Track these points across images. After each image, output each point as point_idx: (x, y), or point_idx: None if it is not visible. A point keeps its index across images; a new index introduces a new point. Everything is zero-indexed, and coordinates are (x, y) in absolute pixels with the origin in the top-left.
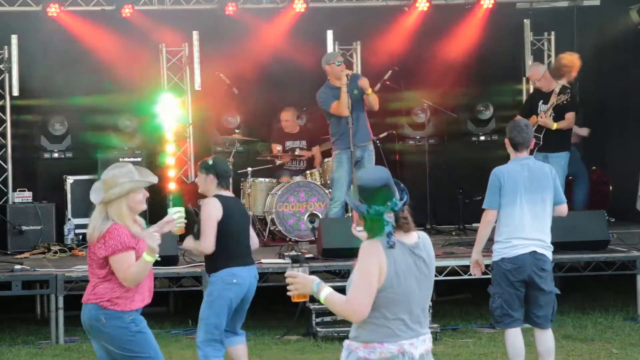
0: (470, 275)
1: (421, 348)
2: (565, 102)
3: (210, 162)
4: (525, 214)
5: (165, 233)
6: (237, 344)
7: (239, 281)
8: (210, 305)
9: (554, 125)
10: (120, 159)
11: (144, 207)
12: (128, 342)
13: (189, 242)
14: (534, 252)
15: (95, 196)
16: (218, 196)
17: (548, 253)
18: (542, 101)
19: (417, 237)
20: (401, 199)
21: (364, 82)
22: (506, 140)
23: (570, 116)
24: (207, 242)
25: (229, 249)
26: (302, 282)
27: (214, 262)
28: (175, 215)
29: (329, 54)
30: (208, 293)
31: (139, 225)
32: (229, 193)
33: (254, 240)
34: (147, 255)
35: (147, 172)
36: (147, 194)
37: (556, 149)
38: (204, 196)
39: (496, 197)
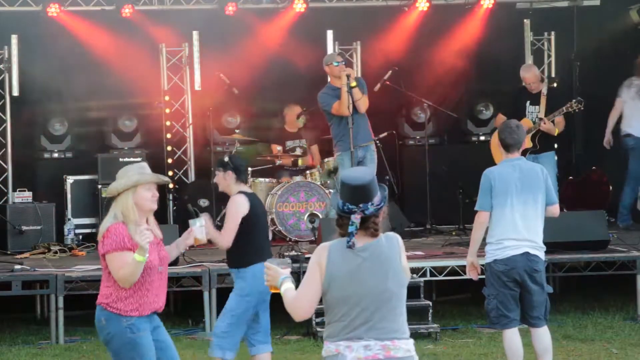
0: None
1: (361, 353)
2: (577, 110)
3: (226, 159)
4: (517, 215)
5: (165, 235)
6: (263, 352)
7: None
8: (240, 299)
9: (556, 131)
10: (120, 159)
11: (154, 205)
12: (119, 347)
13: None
14: (527, 253)
15: (107, 190)
16: (243, 192)
17: (540, 254)
18: (529, 102)
19: (370, 239)
20: (378, 204)
21: (349, 71)
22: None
23: (560, 120)
24: (229, 238)
25: (258, 243)
26: (272, 275)
27: (244, 256)
28: (197, 226)
29: (328, 55)
30: (239, 288)
31: (149, 227)
32: (248, 188)
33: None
34: (137, 255)
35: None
36: (157, 195)
37: (544, 149)
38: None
39: (487, 198)
